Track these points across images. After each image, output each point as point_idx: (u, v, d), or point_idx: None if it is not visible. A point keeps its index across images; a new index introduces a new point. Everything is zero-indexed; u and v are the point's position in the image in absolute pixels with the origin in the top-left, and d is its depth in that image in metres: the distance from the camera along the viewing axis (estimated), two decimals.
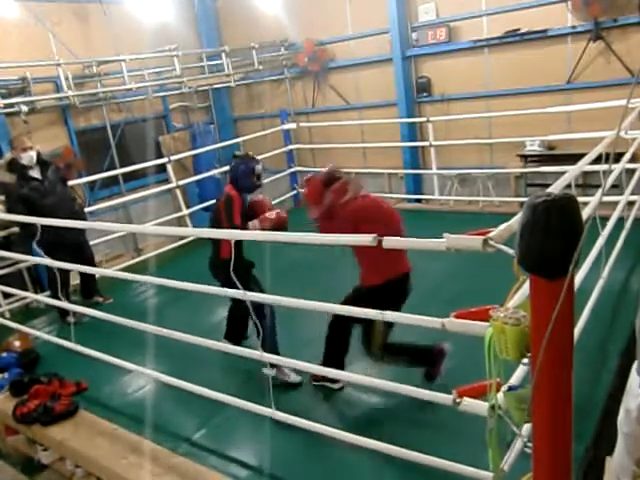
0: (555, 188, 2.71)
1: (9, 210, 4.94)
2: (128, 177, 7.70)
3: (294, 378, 3.69)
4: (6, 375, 4.23)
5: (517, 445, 2.17)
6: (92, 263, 5.52)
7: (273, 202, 8.32)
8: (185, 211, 7.14)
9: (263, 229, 3.75)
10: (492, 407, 1.95)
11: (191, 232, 5.78)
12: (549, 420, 1.63)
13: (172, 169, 7.13)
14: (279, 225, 3.88)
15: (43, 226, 4.28)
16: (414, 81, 8.28)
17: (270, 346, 3.50)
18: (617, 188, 5.22)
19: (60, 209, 4.91)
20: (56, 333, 4.86)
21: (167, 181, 7.26)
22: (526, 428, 1.96)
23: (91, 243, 6.46)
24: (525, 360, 1.71)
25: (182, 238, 6.62)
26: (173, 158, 7.16)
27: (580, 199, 1.54)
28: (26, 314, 5.74)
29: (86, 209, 6.96)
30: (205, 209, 7.77)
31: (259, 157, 8.65)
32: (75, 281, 5.85)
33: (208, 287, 3.23)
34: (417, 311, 2.52)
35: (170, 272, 5.88)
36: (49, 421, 3.61)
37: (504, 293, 1.84)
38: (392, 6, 7.83)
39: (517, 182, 7.45)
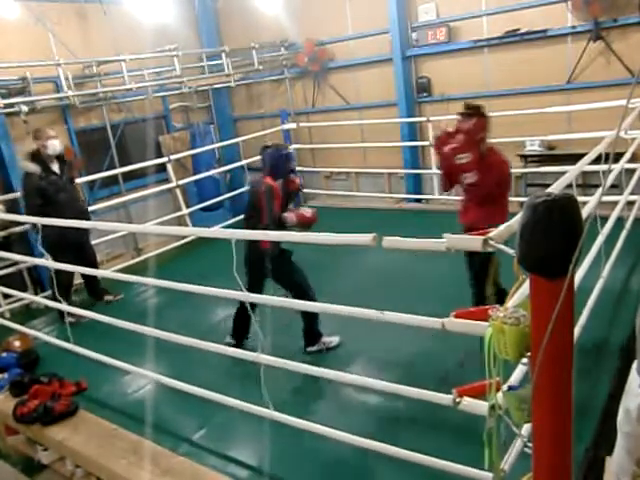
0: (555, 188, 2.71)
1: (26, 199, 5.06)
2: (128, 177, 7.70)
3: (335, 341, 4.16)
4: (6, 375, 4.23)
5: (517, 445, 2.17)
6: (94, 263, 5.52)
7: None
8: (185, 211, 7.14)
9: (298, 223, 4.02)
10: (492, 407, 1.95)
11: (191, 232, 5.78)
12: (549, 420, 1.63)
13: (172, 169, 7.13)
14: (312, 223, 4.13)
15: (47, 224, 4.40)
16: (414, 81, 8.28)
17: (312, 322, 4.03)
18: (617, 188, 5.22)
19: (70, 207, 5.07)
20: (56, 333, 4.86)
21: (167, 181, 7.26)
22: (526, 428, 1.96)
23: (91, 243, 6.49)
24: (525, 360, 1.71)
25: (182, 238, 6.62)
26: (173, 158, 7.17)
27: (580, 199, 1.54)
28: (26, 314, 5.75)
29: None
30: (204, 209, 7.78)
31: (259, 157, 8.69)
32: (76, 281, 5.86)
33: (208, 288, 3.23)
34: (417, 311, 2.52)
35: (170, 272, 5.90)
36: (49, 421, 3.62)
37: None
38: (392, 6, 7.83)
39: (517, 182, 7.45)
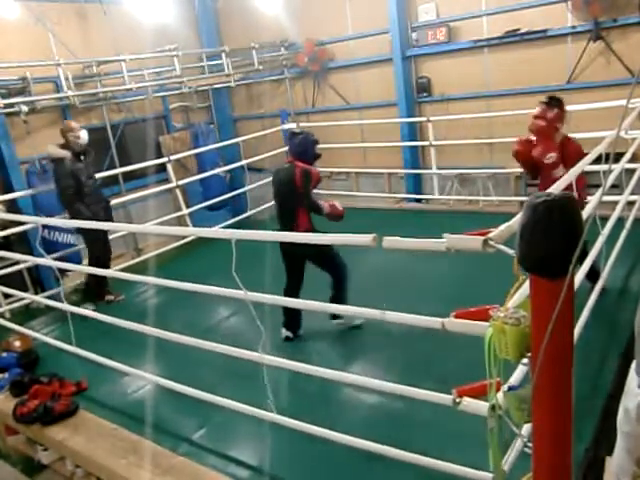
0: (555, 188, 2.71)
1: (59, 183, 5.33)
2: (128, 177, 7.70)
3: (358, 321, 4.28)
4: (6, 375, 4.23)
5: (517, 445, 2.17)
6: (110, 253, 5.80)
7: (273, 202, 8.37)
8: (185, 211, 7.14)
9: (330, 213, 4.25)
10: (492, 407, 1.95)
11: (191, 232, 5.77)
12: (549, 420, 1.63)
13: (172, 169, 7.13)
14: (341, 217, 4.36)
15: (70, 210, 5.22)
16: (414, 81, 8.28)
17: (341, 295, 4.16)
18: (617, 188, 5.22)
19: (97, 194, 5.57)
20: (56, 334, 4.87)
21: (167, 181, 7.26)
22: (526, 428, 1.96)
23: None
24: (525, 360, 1.71)
25: (182, 238, 6.62)
26: (173, 158, 7.16)
27: None
28: (26, 314, 5.74)
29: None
30: (210, 207, 7.79)
31: (259, 157, 8.73)
32: (77, 281, 5.87)
33: (208, 287, 3.23)
34: (417, 311, 2.52)
35: (170, 272, 5.89)
36: (49, 421, 3.62)
37: (504, 293, 1.84)
38: (392, 6, 7.83)
39: (517, 182, 7.45)
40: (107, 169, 7.46)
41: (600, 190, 4.55)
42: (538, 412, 1.65)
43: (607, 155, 3.70)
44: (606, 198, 4.76)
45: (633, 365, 2.02)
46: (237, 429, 3.41)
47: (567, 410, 1.64)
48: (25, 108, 6.50)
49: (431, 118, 7.56)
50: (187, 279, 3.37)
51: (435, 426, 3.05)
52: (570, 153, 3.99)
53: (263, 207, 8.02)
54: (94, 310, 5.28)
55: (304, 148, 4.22)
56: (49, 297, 5.22)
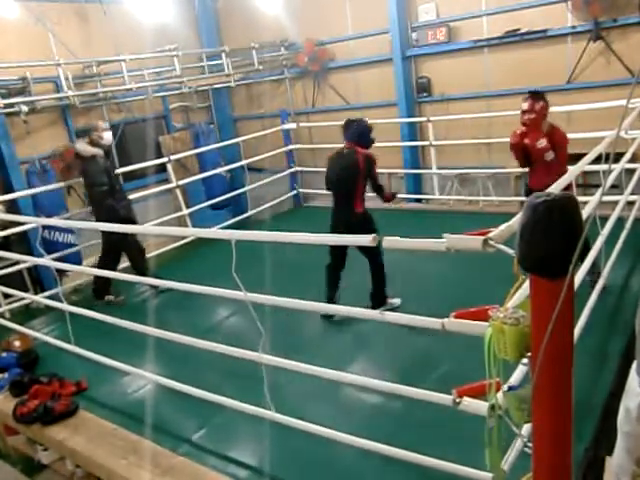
0: (555, 188, 2.71)
1: (93, 179, 5.36)
2: (128, 177, 7.69)
3: (397, 302, 4.59)
4: (6, 375, 4.23)
5: (517, 445, 2.17)
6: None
7: (273, 202, 8.41)
8: (185, 211, 7.14)
9: (388, 195, 4.72)
10: (492, 407, 1.95)
11: (191, 232, 5.77)
12: (549, 420, 1.63)
13: (172, 169, 7.13)
14: (393, 199, 4.83)
15: (102, 207, 5.34)
16: (414, 81, 8.28)
17: (381, 285, 4.50)
18: (617, 188, 5.22)
19: (121, 191, 5.73)
20: (56, 333, 4.86)
21: (167, 181, 7.26)
22: (526, 428, 1.96)
23: (91, 243, 6.51)
24: (525, 360, 1.71)
25: (182, 238, 6.62)
26: (173, 158, 7.16)
27: (580, 199, 1.54)
28: (26, 314, 5.75)
29: (86, 209, 6.99)
30: (213, 207, 7.79)
31: (259, 157, 8.73)
32: (79, 280, 5.86)
33: (208, 288, 3.23)
34: (417, 311, 2.52)
35: (170, 272, 5.90)
36: (49, 421, 3.62)
37: (504, 293, 1.84)
38: (392, 6, 7.83)
39: (517, 182, 7.45)
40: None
41: (600, 190, 4.55)
42: (538, 412, 1.65)
43: (607, 155, 3.70)
44: (606, 198, 4.76)
45: (634, 365, 2.02)
46: (237, 429, 3.41)
47: (567, 410, 1.64)
48: (25, 108, 6.51)
49: (431, 118, 7.56)
50: (187, 279, 3.36)
51: (435, 426, 3.05)
52: (559, 139, 4.51)
53: (263, 207, 8.02)
54: (115, 300, 5.66)
55: (361, 134, 4.51)
56: (49, 297, 5.22)
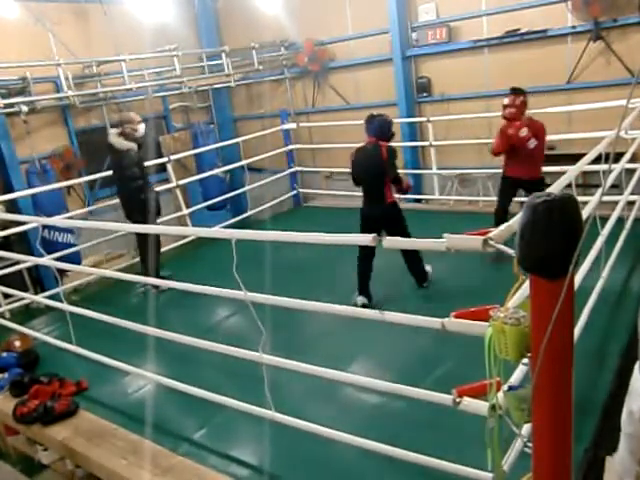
0: (555, 188, 2.71)
1: (125, 171, 5.42)
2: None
3: (430, 269, 4.90)
4: (6, 375, 4.23)
5: (517, 445, 2.17)
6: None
7: (273, 202, 8.41)
8: (185, 211, 7.14)
9: (404, 186, 4.89)
10: (492, 407, 1.95)
11: (191, 232, 5.78)
12: (549, 420, 1.63)
13: (172, 169, 7.12)
14: (409, 190, 5.12)
15: (136, 201, 5.47)
16: (414, 81, 8.28)
17: (418, 264, 4.82)
18: (617, 188, 5.22)
19: (151, 183, 5.78)
20: (56, 334, 4.86)
21: (167, 181, 7.25)
22: (526, 428, 1.96)
23: (91, 243, 6.51)
24: (525, 360, 1.71)
25: (182, 238, 6.62)
26: (173, 158, 7.16)
27: (580, 199, 1.54)
28: (26, 314, 5.74)
29: (86, 209, 7.00)
30: (209, 208, 7.79)
31: (259, 157, 8.72)
32: (80, 281, 5.85)
33: (208, 288, 3.23)
34: (417, 311, 2.52)
35: (171, 271, 5.89)
36: (49, 421, 3.61)
37: (504, 293, 1.84)
38: (392, 6, 7.83)
39: None
40: (107, 169, 7.46)
41: (600, 190, 4.55)
42: (538, 412, 1.65)
43: (607, 155, 3.70)
44: (606, 198, 4.76)
45: (637, 366, 2.02)
46: (237, 429, 3.41)
47: (567, 410, 1.64)
48: (25, 108, 6.51)
49: (431, 118, 7.55)
50: (187, 279, 3.36)
51: (435, 426, 3.05)
52: (539, 128, 5.07)
53: (263, 207, 8.02)
54: (170, 276, 5.62)
55: (383, 129, 4.73)
56: (49, 297, 5.22)
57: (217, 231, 3.85)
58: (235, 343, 3.29)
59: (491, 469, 2.07)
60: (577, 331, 2.96)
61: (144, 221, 5.42)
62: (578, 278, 3.26)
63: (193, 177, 7.87)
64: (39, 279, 6.81)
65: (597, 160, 3.64)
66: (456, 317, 2.18)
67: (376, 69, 8.58)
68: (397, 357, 3.99)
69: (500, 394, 1.93)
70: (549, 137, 6.76)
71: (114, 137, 5.46)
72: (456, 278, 5.00)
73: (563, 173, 3.38)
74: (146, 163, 5.81)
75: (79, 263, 6.53)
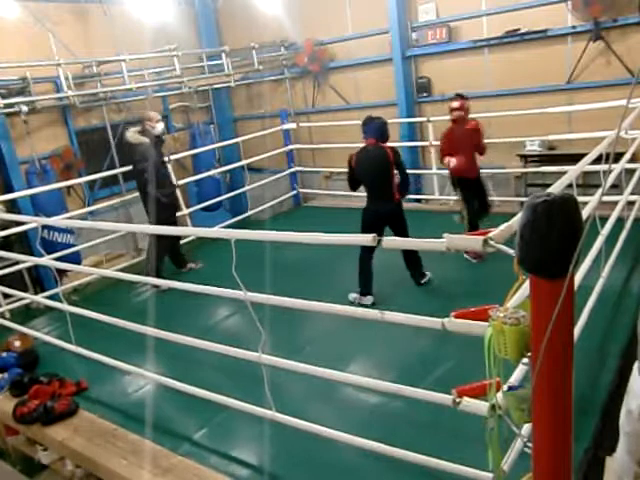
0: (555, 188, 2.71)
1: (136, 164, 5.66)
2: (128, 177, 7.68)
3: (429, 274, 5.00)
4: (6, 375, 4.23)
5: (517, 445, 2.17)
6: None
7: (273, 202, 8.40)
8: (185, 211, 7.14)
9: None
10: (492, 407, 1.95)
11: (191, 232, 5.78)
12: (549, 420, 1.63)
13: (172, 169, 7.12)
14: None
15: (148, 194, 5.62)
16: (414, 81, 8.28)
17: (417, 265, 4.94)
18: (617, 188, 5.22)
19: (168, 179, 6.05)
20: (56, 333, 4.86)
21: None
22: (526, 428, 1.96)
23: (91, 243, 6.51)
24: (525, 360, 1.71)
25: (182, 238, 6.61)
26: (173, 158, 7.16)
27: (580, 199, 1.54)
28: (26, 314, 5.74)
29: (86, 209, 6.99)
30: (204, 209, 7.78)
31: (259, 157, 8.72)
32: (81, 281, 5.84)
33: (208, 288, 3.23)
34: (417, 311, 2.52)
35: (170, 272, 5.89)
36: (49, 421, 3.61)
37: (504, 293, 1.84)
38: (392, 6, 7.83)
39: (517, 182, 7.45)
40: (107, 169, 7.47)
41: (600, 190, 4.55)
42: (538, 412, 1.65)
43: (607, 155, 3.70)
44: (606, 198, 4.76)
45: (636, 366, 2.02)
46: (238, 429, 3.41)
47: (567, 410, 1.64)
48: (25, 108, 6.50)
49: (431, 118, 7.55)
50: (187, 279, 3.36)
51: (435, 426, 3.05)
52: (478, 126, 5.66)
53: (263, 207, 8.02)
54: (196, 267, 6.21)
55: (383, 130, 4.82)
56: (49, 297, 5.22)
57: (217, 231, 3.85)
58: (235, 343, 3.29)
59: (491, 469, 2.07)
60: (577, 331, 2.96)
61: (156, 215, 5.61)
62: (578, 278, 3.26)
63: (189, 178, 7.86)
64: (39, 279, 6.80)
65: (597, 160, 3.64)
66: (456, 317, 2.18)
67: (376, 69, 8.57)
68: (397, 357, 3.99)
69: (500, 394, 1.93)
70: (550, 137, 6.86)
71: (130, 133, 5.72)
72: (456, 278, 5.00)
73: (563, 173, 3.39)
74: (164, 159, 6.05)
75: (79, 263, 6.53)
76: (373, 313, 2.62)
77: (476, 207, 5.64)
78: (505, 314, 1.71)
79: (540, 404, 1.63)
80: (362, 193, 5.09)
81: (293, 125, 8.66)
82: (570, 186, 3.32)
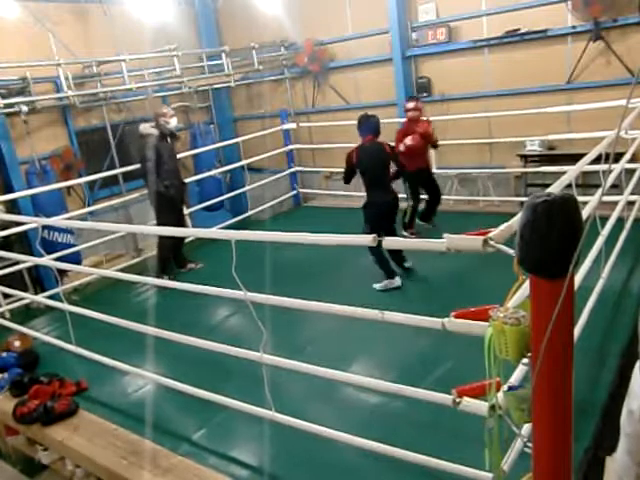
0: (555, 188, 2.71)
1: (144, 155, 5.74)
2: (128, 177, 7.70)
3: (396, 282, 5.07)
4: (6, 375, 4.23)
5: (517, 445, 2.17)
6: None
7: (273, 202, 8.41)
8: (185, 211, 7.13)
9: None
10: (492, 407, 1.95)
11: (191, 232, 5.78)
12: (549, 420, 1.63)
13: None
14: None
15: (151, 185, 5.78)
16: (414, 81, 8.28)
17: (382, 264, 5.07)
18: (617, 188, 5.22)
19: (176, 173, 6.04)
20: (56, 333, 4.86)
21: None
22: (526, 428, 1.96)
23: (91, 243, 6.51)
24: (525, 360, 1.71)
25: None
26: None
27: (580, 199, 1.54)
28: (26, 314, 5.74)
29: (86, 209, 6.99)
30: (206, 209, 7.78)
31: (259, 157, 8.73)
32: (80, 281, 5.84)
33: (208, 288, 3.23)
34: (417, 311, 2.52)
35: (170, 272, 5.86)
36: (49, 421, 3.62)
37: (504, 293, 1.84)
38: (392, 6, 7.83)
39: (517, 182, 7.45)
40: (107, 169, 7.47)
41: (600, 190, 4.54)
42: (538, 412, 1.65)
43: (607, 155, 3.70)
44: (606, 198, 4.76)
45: (637, 366, 2.01)
46: (237, 429, 3.41)
47: (567, 410, 1.64)
48: (25, 108, 6.51)
49: (431, 118, 7.55)
50: (187, 279, 3.36)
51: (435, 426, 3.05)
52: (428, 130, 6.15)
53: (263, 207, 8.02)
54: (196, 267, 6.30)
55: (378, 127, 5.16)
56: (49, 297, 5.22)
57: (216, 232, 3.86)
58: (235, 343, 3.29)
59: (488, 469, 2.07)
60: (577, 331, 2.96)
61: (159, 209, 5.76)
62: (578, 278, 3.26)
63: (190, 178, 7.86)
64: (39, 279, 6.81)
65: (597, 160, 3.63)
66: (456, 317, 2.18)
67: (376, 69, 8.57)
68: (397, 357, 3.99)
69: (500, 394, 1.93)
70: (550, 137, 6.87)
71: (142, 125, 5.90)
72: (456, 278, 5.00)
73: (563, 173, 3.39)
74: (175, 154, 6.11)
75: (79, 263, 6.53)
76: (373, 313, 2.62)
77: (429, 199, 6.40)
78: (505, 314, 1.71)
79: (540, 404, 1.63)
80: (362, 193, 5.11)
81: (293, 125, 8.66)
82: (570, 186, 3.32)
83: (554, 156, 6.95)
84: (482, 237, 1.95)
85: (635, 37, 6.37)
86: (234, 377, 3.78)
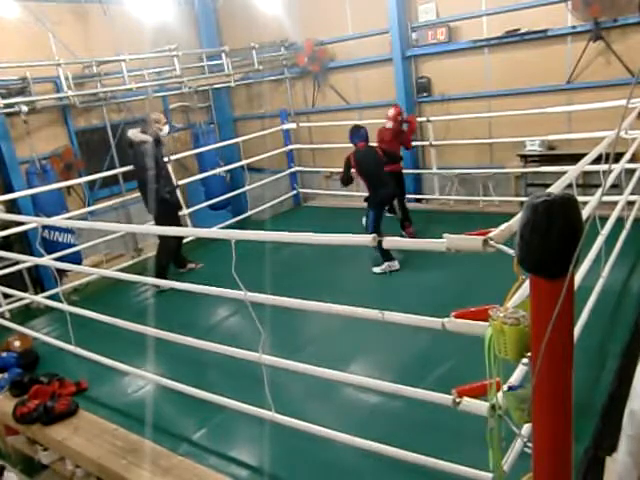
0: (555, 188, 2.71)
1: (141, 161, 5.66)
2: (128, 177, 7.68)
3: (395, 266, 5.50)
4: (6, 375, 4.23)
5: (517, 445, 2.17)
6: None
7: (273, 202, 8.41)
8: (185, 211, 7.13)
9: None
10: (492, 407, 1.95)
11: (191, 232, 5.78)
12: (549, 420, 1.63)
13: (172, 169, 7.12)
14: None
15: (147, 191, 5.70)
16: (414, 81, 8.28)
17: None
18: (617, 188, 5.22)
19: (169, 176, 6.08)
20: (56, 334, 4.86)
21: None
22: (526, 428, 1.96)
23: (91, 243, 6.52)
24: (525, 360, 1.71)
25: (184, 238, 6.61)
26: (173, 158, 7.16)
27: (580, 199, 1.54)
28: (26, 314, 5.74)
29: (86, 209, 6.99)
30: (211, 207, 7.79)
31: (259, 157, 8.74)
32: (79, 281, 5.83)
33: (208, 288, 3.23)
34: (417, 311, 2.52)
35: (170, 272, 5.88)
36: (49, 421, 3.62)
37: (504, 293, 1.84)
38: (392, 6, 7.83)
39: (517, 182, 7.45)
40: (107, 169, 7.46)
41: (600, 190, 4.55)
42: (538, 412, 1.65)
43: (607, 155, 3.70)
44: (606, 198, 4.76)
45: (639, 366, 2.01)
46: (237, 429, 3.41)
47: (567, 410, 1.64)
48: (25, 108, 6.50)
49: (431, 118, 7.56)
50: (187, 279, 3.36)
51: (435, 426, 3.05)
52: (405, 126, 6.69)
53: (263, 207, 8.02)
54: (196, 267, 6.30)
55: (367, 135, 5.89)
56: (49, 297, 5.22)
57: (216, 232, 3.85)
58: (235, 343, 3.29)
59: (491, 469, 2.07)
60: (577, 331, 2.96)
61: (157, 214, 5.73)
62: (578, 278, 3.26)
63: (195, 177, 7.87)
64: (39, 279, 6.81)
65: (597, 160, 3.64)
66: (456, 317, 2.18)
67: (376, 69, 8.57)
68: (397, 357, 3.99)
69: (500, 394, 1.93)
70: (550, 137, 6.87)
71: (132, 131, 5.82)
72: (456, 278, 5.00)
73: (563, 173, 3.39)
74: (165, 159, 6.10)
75: (80, 263, 6.53)
76: (373, 313, 2.62)
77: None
78: (505, 314, 1.71)
79: (540, 404, 1.63)
80: (362, 193, 5.11)
81: (293, 125, 8.66)
82: (570, 186, 3.32)
83: (554, 156, 6.95)
84: (482, 237, 1.95)
85: (635, 37, 6.37)
86: (234, 377, 3.78)
